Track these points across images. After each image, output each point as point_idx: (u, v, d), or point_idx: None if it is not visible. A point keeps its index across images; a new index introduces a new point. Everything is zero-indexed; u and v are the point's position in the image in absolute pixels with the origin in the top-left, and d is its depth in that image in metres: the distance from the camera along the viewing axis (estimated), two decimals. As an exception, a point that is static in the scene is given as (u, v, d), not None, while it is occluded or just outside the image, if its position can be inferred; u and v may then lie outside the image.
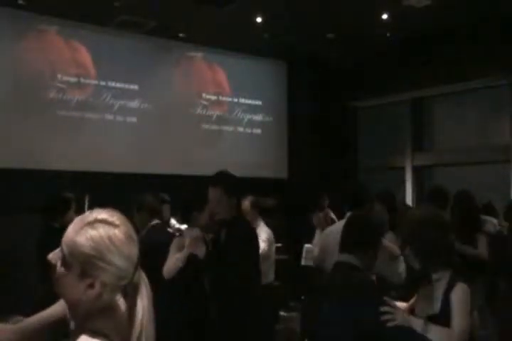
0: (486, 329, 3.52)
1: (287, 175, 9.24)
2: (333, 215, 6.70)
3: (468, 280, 2.32)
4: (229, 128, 8.78)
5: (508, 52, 6.92)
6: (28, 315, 1.58)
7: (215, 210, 3.28)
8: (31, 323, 1.55)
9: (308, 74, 9.13)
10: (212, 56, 8.59)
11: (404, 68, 8.05)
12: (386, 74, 8.27)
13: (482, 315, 3.11)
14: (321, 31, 7.71)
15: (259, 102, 9.10)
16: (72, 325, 1.40)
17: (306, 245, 6.45)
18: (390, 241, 3.74)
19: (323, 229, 5.24)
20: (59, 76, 7.27)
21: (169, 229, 5.02)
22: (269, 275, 4.86)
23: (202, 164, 7.98)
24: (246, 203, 4.78)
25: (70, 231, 1.30)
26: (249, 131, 9.00)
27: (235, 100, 8.86)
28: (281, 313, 7.09)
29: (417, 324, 2.22)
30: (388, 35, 7.77)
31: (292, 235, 7.29)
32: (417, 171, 8.45)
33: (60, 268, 1.29)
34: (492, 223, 5.02)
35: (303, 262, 6.52)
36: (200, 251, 3.39)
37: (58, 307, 1.53)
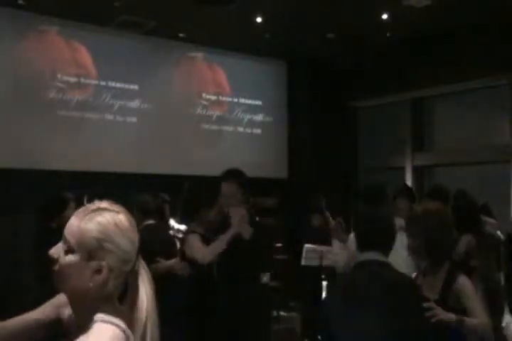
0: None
1: (287, 175, 9.24)
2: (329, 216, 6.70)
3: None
4: (229, 128, 8.78)
5: (508, 52, 6.92)
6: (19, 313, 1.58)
7: (228, 205, 3.30)
8: (13, 323, 1.51)
9: (308, 74, 9.12)
10: (213, 56, 8.59)
11: (404, 68, 8.05)
12: (386, 74, 8.27)
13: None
14: (321, 31, 7.71)
15: (259, 102, 9.10)
16: (67, 320, 1.41)
17: (306, 245, 6.44)
18: None
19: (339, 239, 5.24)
20: (59, 76, 7.27)
21: (171, 231, 5.01)
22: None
23: (202, 164, 7.98)
24: None
25: (74, 220, 1.33)
26: (249, 131, 9.00)
27: (235, 100, 8.86)
28: (281, 313, 7.09)
29: (451, 317, 2.29)
30: (388, 35, 7.77)
31: (292, 235, 7.30)
32: (417, 171, 8.45)
33: (63, 259, 1.31)
34: (492, 224, 5.01)
35: (303, 262, 6.52)
36: (246, 231, 3.29)
37: (46, 308, 1.50)
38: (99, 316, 1.27)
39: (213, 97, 8.64)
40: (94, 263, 1.29)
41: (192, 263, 3.27)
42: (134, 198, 4.50)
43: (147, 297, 1.32)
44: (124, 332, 1.25)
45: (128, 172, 7.33)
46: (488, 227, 4.75)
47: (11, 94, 6.85)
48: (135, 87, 7.87)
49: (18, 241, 5.45)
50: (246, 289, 3.21)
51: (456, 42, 7.45)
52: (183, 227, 4.93)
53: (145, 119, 7.90)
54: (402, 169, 8.51)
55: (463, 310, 2.37)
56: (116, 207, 1.37)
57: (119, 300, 1.33)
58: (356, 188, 9.06)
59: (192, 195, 3.67)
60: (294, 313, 6.95)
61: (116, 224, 1.32)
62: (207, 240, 3.35)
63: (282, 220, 7.78)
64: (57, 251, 1.34)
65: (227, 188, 3.30)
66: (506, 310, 4.18)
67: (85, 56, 7.48)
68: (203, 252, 3.21)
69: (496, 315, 3.66)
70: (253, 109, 9.03)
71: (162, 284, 1.61)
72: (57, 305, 1.46)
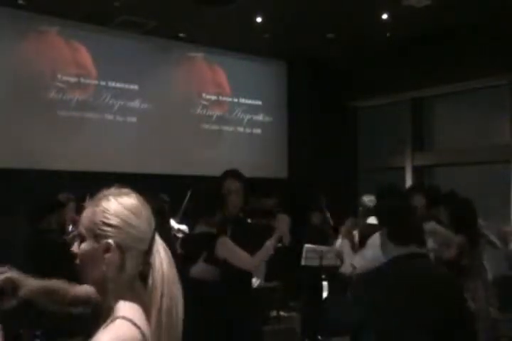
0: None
1: (287, 175, 9.24)
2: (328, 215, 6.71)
3: None
4: (229, 128, 8.78)
5: (508, 52, 6.92)
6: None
7: (236, 203, 3.28)
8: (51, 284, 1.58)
9: (308, 74, 9.12)
10: (213, 56, 8.59)
11: (404, 68, 8.05)
12: (386, 74, 8.27)
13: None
14: (321, 31, 7.71)
15: (259, 102, 9.10)
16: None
17: (306, 245, 6.44)
18: None
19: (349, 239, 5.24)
20: (59, 76, 7.27)
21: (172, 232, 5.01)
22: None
23: (202, 164, 7.98)
24: None
25: (84, 211, 1.37)
26: (249, 131, 9.00)
27: (235, 100, 8.86)
28: (281, 313, 7.09)
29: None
30: (388, 35, 7.77)
31: (292, 235, 7.29)
32: (417, 171, 8.45)
33: (78, 250, 1.35)
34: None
35: (303, 262, 6.52)
36: (286, 238, 3.27)
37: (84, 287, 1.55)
38: (120, 307, 1.28)
39: (213, 97, 8.64)
40: (101, 244, 1.31)
41: (222, 267, 3.14)
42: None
43: (164, 276, 1.32)
44: (139, 330, 1.25)
45: (128, 172, 7.32)
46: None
47: (11, 94, 6.85)
48: (135, 87, 7.87)
49: (18, 241, 5.44)
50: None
51: (456, 42, 7.45)
52: (183, 227, 4.93)
53: (145, 119, 7.90)
54: (402, 169, 8.51)
55: None
56: (122, 191, 1.41)
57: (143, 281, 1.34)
58: (356, 188, 9.07)
59: (197, 195, 3.60)
60: (294, 313, 6.95)
61: (120, 204, 1.35)
62: None
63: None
64: (76, 245, 1.37)
65: (234, 185, 3.28)
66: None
67: (85, 56, 7.48)
68: (250, 259, 3.15)
69: None
70: (253, 109, 9.03)
71: None
72: None
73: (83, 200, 5.57)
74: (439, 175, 8.36)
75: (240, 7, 6.73)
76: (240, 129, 8.90)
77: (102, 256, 1.30)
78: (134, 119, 7.85)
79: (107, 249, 1.30)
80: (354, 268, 3.56)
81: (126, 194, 1.40)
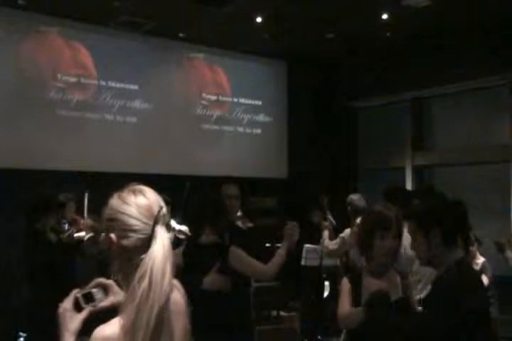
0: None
1: (287, 175, 9.23)
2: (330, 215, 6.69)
3: None
4: (229, 128, 8.78)
5: (508, 52, 6.92)
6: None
7: (236, 208, 3.31)
8: None
9: (308, 74, 9.12)
10: (213, 56, 8.59)
11: (404, 68, 8.05)
12: (386, 74, 8.27)
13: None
14: (321, 31, 7.71)
15: (259, 102, 9.10)
16: None
17: (306, 245, 6.45)
18: None
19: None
20: (59, 76, 7.27)
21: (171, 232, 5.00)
22: None
23: (202, 164, 7.98)
24: None
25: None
26: (249, 131, 9.00)
27: (235, 100, 8.86)
28: (281, 313, 7.09)
29: None
30: (388, 35, 7.77)
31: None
32: (417, 171, 8.45)
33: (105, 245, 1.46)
34: None
35: (303, 262, 6.52)
36: (294, 244, 3.23)
37: None
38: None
39: (213, 97, 8.64)
40: (108, 238, 1.41)
41: (234, 277, 3.10)
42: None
43: (155, 264, 1.33)
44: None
45: (128, 172, 7.32)
46: None
47: (11, 94, 6.84)
48: (135, 87, 7.87)
49: (18, 240, 5.45)
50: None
51: (456, 42, 7.45)
52: (184, 228, 4.92)
53: (145, 119, 7.89)
54: (402, 169, 8.51)
55: None
56: (129, 187, 1.48)
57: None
58: (356, 188, 9.06)
59: (199, 204, 3.38)
60: (294, 313, 6.95)
61: (118, 198, 1.43)
62: None
63: (282, 220, 7.77)
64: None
65: (234, 190, 3.32)
66: None
67: (85, 56, 7.48)
68: (265, 270, 3.13)
69: None
70: (253, 109, 9.03)
71: None
72: None
73: (83, 200, 5.58)
74: (439, 175, 8.35)
75: (240, 7, 6.73)
76: (240, 129, 8.90)
77: (111, 248, 1.40)
78: (134, 119, 7.85)
79: (112, 242, 1.39)
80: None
81: (131, 189, 1.46)
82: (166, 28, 7.59)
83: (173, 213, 5.42)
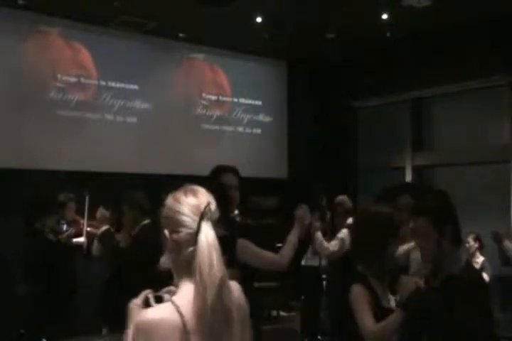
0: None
1: (287, 175, 9.23)
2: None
3: None
4: (229, 128, 8.78)
5: (508, 52, 6.92)
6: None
7: (236, 199, 3.15)
8: None
9: (308, 74, 9.12)
10: (213, 56, 8.59)
11: (404, 68, 8.05)
12: (386, 74, 8.27)
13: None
14: (321, 31, 7.71)
15: (259, 102, 9.10)
16: None
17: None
18: None
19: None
20: (59, 76, 7.27)
21: None
22: None
23: (202, 164, 7.94)
24: None
25: None
26: (249, 131, 9.00)
27: (235, 100, 8.86)
28: (281, 313, 7.10)
29: None
30: (388, 35, 7.77)
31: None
32: (417, 171, 8.45)
33: None
34: None
35: (303, 262, 6.52)
36: (304, 228, 3.14)
37: None
38: (181, 288, 1.48)
39: (213, 97, 8.64)
40: (163, 233, 1.56)
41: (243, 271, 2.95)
42: (132, 197, 4.49)
43: (205, 258, 1.44)
44: (181, 318, 1.39)
45: (128, 172, 7.32)
46: None
47: (11, 94, 6.84)
48: (135, 87, 7.87)
49: (17, 240, 5.45)
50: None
51: (456, 42, 7.45)
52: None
53: (145, 119, 7.89)
54: (402, 169, 8.51)
55: None
56: (183, 187, 1.64)
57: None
58: (356, 188, 9.06)
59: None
60: (294, 313, 6.95)
61: (171, 197, 1.60)
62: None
63: (282, 220, 7.77)
64: None
65: (229, 182, 3.15)
66: None
67: (85, 56, 7.48)
68: (279, 259, 3.00)
69: None
70: (253, 109, 9.03)
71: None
72: None
73: (83, 200, 5.58)
74: (439, 175, 8.35)
75: (240, 7, 6.73)
76: (240, 129, 8.90)
77: (165, 243, 1.55)
78: (134, 119, 7.85)
79: (166, 237, 1.55)
80: None
81: (184, 189, 1.62)
82: (166, 28, 7.59)
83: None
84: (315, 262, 6.44)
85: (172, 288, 1.55)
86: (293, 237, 3.05)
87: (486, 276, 4.81)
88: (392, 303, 2.38)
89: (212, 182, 3.17)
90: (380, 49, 8.19)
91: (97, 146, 7.40)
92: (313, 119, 9.17)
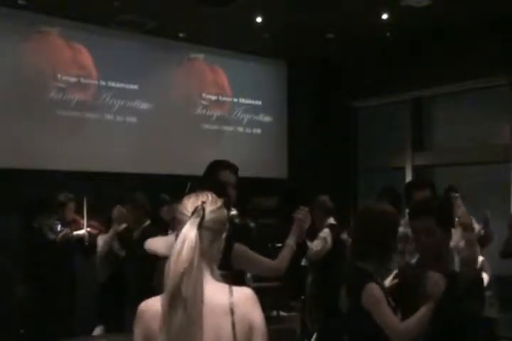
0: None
1: (287, 175, 9.23)
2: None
3: None
4: (229, 128, 8.78)
5: (508, 52, 6.92)
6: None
7: (233, 198, 3.03)
8: None
9: (308, 74, 9.12)
10: (212, 56, 8.58)
11: (404, 68, 8.05)
12: (386, 74, 8.26)
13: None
14: (321, 31, 7.71)
15: (259, 102, 9.09)
16: None
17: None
18: None
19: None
20: (59, 76, 7.27)
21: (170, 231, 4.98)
22: None
23: (202, 164, 7.93)
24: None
25: None
26: (249, 131, 9.00)
27: (235, 100, 8.86)
28: (281, 313, 7.09)
29: None
30: (388, 35, 7.77)
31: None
32: (417, 171, 8.44)
33: None
34: None
35: (303, 262, 6.51)
36: (303, 231, 3.04)
37: None
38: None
39: (213, 97, 8.64)
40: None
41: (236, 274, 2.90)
42: (134, 197, 4.49)
43: (175, 246, 1.49)
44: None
45: (128, 172, 7.32)
46: None
47: (11, 94, 6.84)
48: (135, 87, 7.86)
49: (16, 240, 5.45)
50: None
51: (456, 42, 7.45)
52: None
53: (145, 119, 7.89)
54: (402, 169, 8.51)
55: None
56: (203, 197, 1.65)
57: None
58: (356, 188, 9.06)
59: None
60: (294, 313, 6.95)
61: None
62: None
63: (282, 220, 7.77)
64: None
65: (227, 179, 3.06)
66: None
67: (85, 56, 7.48)
68: (276, 265, 2.91)
69: None
70: (253, 109, 9.02)
71: None
72: None
73: (83, 200, 5.56)
74: (439, 175, 8.35)
75: (240, 7, 6.73)
76: (240, 129, 8.90)
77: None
78: (134, 119, 7.85)
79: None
80: None
81: (196, 193, 1.68)
82: (166, 28, 7.59)
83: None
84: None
85: None
86: (291, 241, 2.96)
87: (485, 276, 4.80)
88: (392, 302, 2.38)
89: (209, 178, 3.11)
90: (380, 49, 8.19)
91: (97, 146, 7.40)
92: (313, 119, 9.17)
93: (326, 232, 5.25)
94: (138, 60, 7.84)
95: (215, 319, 1.47)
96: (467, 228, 2.59)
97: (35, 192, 5.98)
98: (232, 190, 2.99)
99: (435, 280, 2.17)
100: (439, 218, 2.34)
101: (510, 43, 6.88)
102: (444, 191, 4.71)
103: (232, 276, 2.91)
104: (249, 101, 8.99)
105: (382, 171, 8.81)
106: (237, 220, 3.96)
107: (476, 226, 5.23)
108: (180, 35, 7.96)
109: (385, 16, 7.10)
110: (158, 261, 2.98)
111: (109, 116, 7.65)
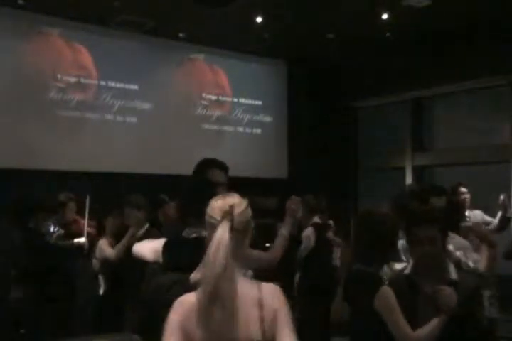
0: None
1: (287, 175, 9.23)
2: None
3: None
4: (229, 128, 8.78)
5: (508, 52, 6.92)
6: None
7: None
8: None
9: (309, 75, 9.12)
10: (212, 56, 8.58)
11: (404, 68, 8.05)
12: (386, 74, 8.27)
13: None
14: (321, 31, 7.71)
15: (259, 102, 9.10)
16: None
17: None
18: None
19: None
20: (59, 76, 7.27)
21: None
22: None
23: (202, 164, 7.96)
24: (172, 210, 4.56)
25: None
26: (249, 131, 9.00)
27: (235, 100, 8.86)
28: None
29: None
30: (388, 35, 7.77)
31: (292, 235, 7.27)
32: (417, 171, 8.44)
33: None
34: None
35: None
36: (296, 220, 3.03)
37: None
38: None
39: (213, 97, 8.64)
40: None
41: None
42: (136, 198, 4.48)
43: (210, 249, 1.60)
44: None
45: (128, 172, 7.32)
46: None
47: (11, 94, 6.85)
48: (135, 87, 7.87)
49: (13, 240, 5.44)
50: None
51: (456, 42, 7.45)
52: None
53: (145, 119, 7.89)
54: (402, 169, 8.51)
55: None
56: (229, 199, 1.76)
57: None
58: (356, 188, 9.06)
59: (185, 191, 2.91)
60: (293, 313, 6.93)
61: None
62: None
63: (282, 220, 7.76)
64: None
65: (217, 179, 2.92)
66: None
67: (85, 56, 7.48)
68: (269, 256, 2.87)
69: None
70: (253, 109, 9.03)
71: None
72: None
73: (83, 200, 5.54)
74: (439, 175, 8.35)
75: (240, 7, 6.73)
76: (240, 129, 8.90)
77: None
78: (134, 119, 7.85)
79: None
80: None
81: (223, 194, 1.81)
82: (166, 28, 7.59)
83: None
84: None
85: None
86: (284, 231, 2.95)
87: None
88: None
89: (197, 178, 2.97)
90: (380, 49, 8.18)
91: (97, 146, 7.40)
92: (313, 119, 9.17)
93: (309, 231, 5.41)
94: (138, 60, 7.84)
95: (246, 312, 1.61)
96: (492, 245, 2.65)
97: (34, 192, 5.98)
98: (222, 190, 2.74)
99: (447, 294, 2.19)
100: (443, 226, 2.35)
101: (510, 43, 6.88)
102: (452, 187, 4.76)
103: None
104: (249, 101, 8.99)
105: (382, 171, 8.82)
106: None
107: (487, 219, 5.30)
108: (180, 35, 7.96)
109: (385, 16, 7.10)
110: (146, 267, 2.86)
111: (109, 116, 7.65)
